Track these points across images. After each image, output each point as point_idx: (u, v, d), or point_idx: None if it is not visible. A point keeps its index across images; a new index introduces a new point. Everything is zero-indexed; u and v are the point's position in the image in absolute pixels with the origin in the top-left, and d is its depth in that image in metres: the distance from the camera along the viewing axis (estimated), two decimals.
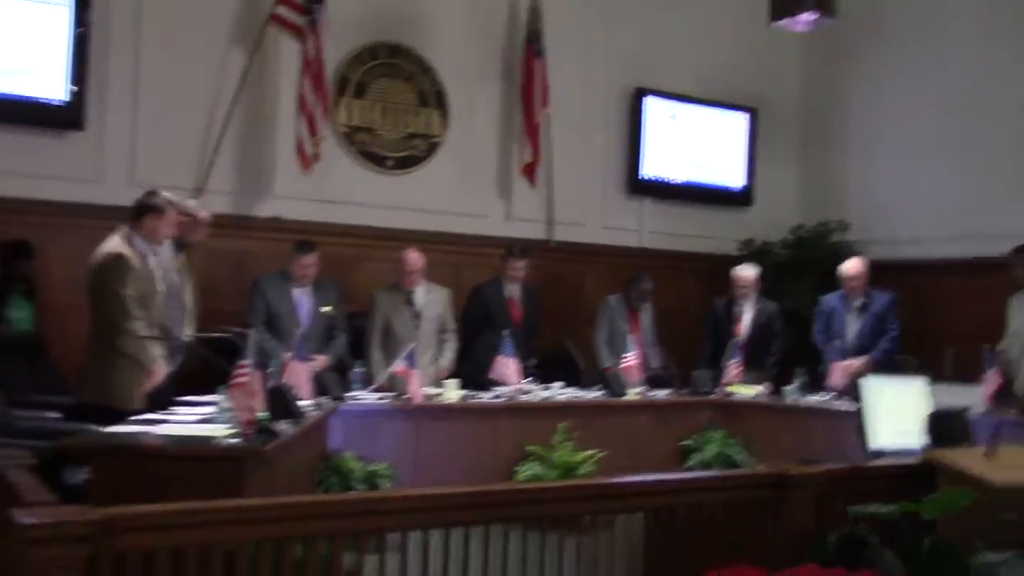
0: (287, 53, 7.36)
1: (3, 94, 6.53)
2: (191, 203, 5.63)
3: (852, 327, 7.00)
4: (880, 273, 7.28)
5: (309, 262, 6.31)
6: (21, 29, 6.56)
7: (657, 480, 3.38)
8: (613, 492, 3.24)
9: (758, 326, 7.32)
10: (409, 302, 6.65)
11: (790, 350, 7.63)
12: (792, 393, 6.70)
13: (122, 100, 6.97)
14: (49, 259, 6.52)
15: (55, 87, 6.67)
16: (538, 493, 3.21)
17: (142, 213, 4.94)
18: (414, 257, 6.66)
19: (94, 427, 4.16)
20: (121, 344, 4.73)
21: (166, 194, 5.07)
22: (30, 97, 6.61)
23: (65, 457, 4.05)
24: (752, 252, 9.13)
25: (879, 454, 4.26)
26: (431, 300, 6.71)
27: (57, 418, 4.96)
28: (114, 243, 4.84)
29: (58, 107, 6.69)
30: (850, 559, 3.18)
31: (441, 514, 2.92)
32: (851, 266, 7.08)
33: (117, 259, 4.77)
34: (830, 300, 7.22)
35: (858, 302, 7.00)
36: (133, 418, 4.34)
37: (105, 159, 6.92)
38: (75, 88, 6.69)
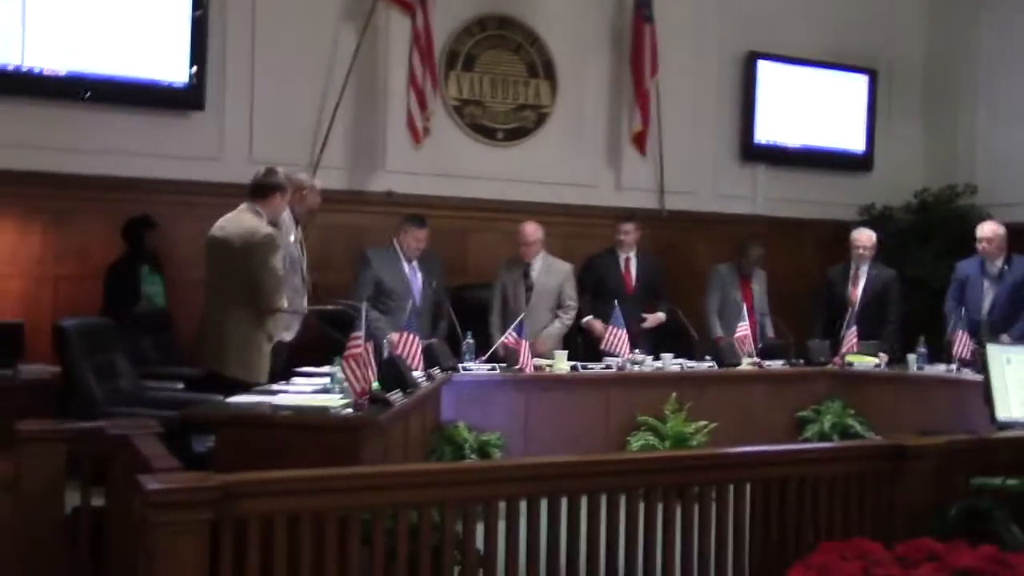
0: (397, 29, 7.43)
1: (128, 77, 6.79)
2: (302, 175, 5.77)
3: (988, 296, 6.72)
4: (1011, 236, 6.95)
5: (422, 236, 6.39)
6: (143, 15, 6.81)
7: (767, 451, 3.32)
8: (722, 462, 3.21)
9: (874, 292, 7.10)
10: (525, 274, 6.69)
11: (914, 318, 7.39)
12: (915, 363, 6.48)
13: (239, 80, 7.17)
14: (173, 236, 6.78)
15: (177, 70, 6.91)
16: (645, 463, 3.20)
17: (269, 191, 5.01)
18: (530, 229, 6.70)
19: (218, 397, 4.32)
20: (272, 320, 4.85)
21: (280, 170, 5.17)
22: (153, 80, 6.87)
23: (192, 426, 4.24)
24: (873, 218, 8.84)
25: (1008, 425, 4.10)
26: (547, 273, 6.73)
27: (183, 389, 5.17)
28: (254, 220, 4.88)
29: (179, 89, 6.93)
30: (972, 532, 3.07)
31: (548, 483, 2.94)
32: (988, 228, 6.80)
33: (271, 238, 4.83)
34: (966, 266, 6.94)
35: (995, 268, 6.72)
36: (255, 388, 4.48)
37: (224, 138, 7.13)
38: (195, 70, 6.92)
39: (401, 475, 2.91)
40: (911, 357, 6.54)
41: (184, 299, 6.52)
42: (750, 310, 7.02)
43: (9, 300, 6.40)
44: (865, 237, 7.23)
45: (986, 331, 6.39)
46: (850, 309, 6.94)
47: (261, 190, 4.99)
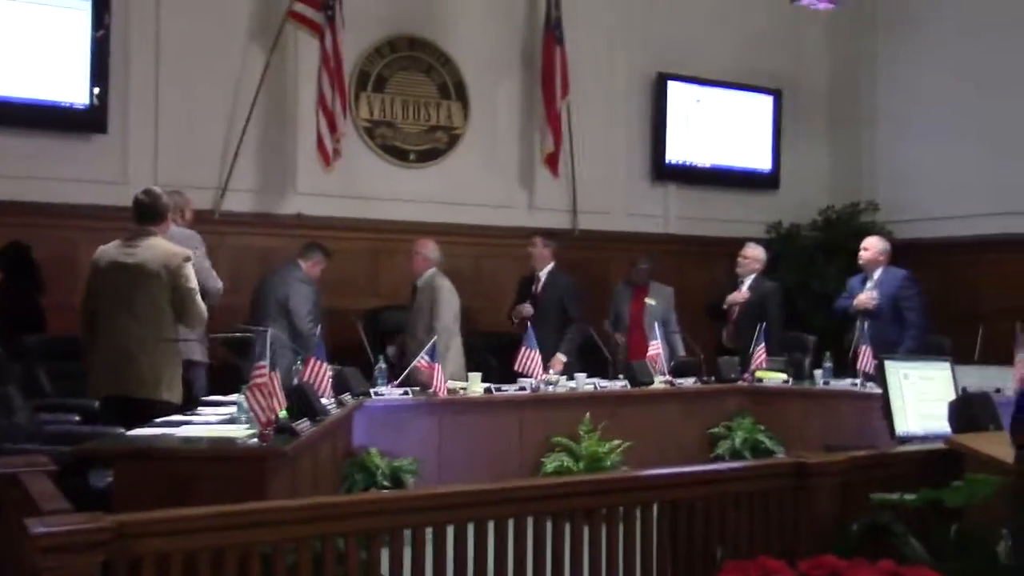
0: (306, 50, 7.38)
1: (27, 99, 6.61)
2: (176, 195, 5.84)
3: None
4: (911, 253, 7.17)
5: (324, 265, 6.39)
6: (42, 34, 6.63)
7: (673, 473, 3.35)
8: (629, 486, 3.22)
9: (751, 303, 7.25)
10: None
11: (819, 333, 7.57)
12: (821, 377, 6.63)
13: (143, 101, 7.04)
14: (77, 261, 6.56)
15: (78, 91, 6.75)
16: (552, 488, 3.19)
17: (162, 213, 4.98)
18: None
19: (119, 429, 4.19)
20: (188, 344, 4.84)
21: (156, 189, 5.12)
22: (54, 102, 6.70)
23: (90, 461, 4.10)
24: (780, 235, 9.05)
25: (906, 439, 4.19)
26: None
27: (80, 421, 5.01)
28: (168, 244, 4.91)
29: (81, 111, 6.77)
30: (874, 548, 3.13)
31: (454, 511, 2.91)
32: (867, 240, 7.11)
33: (190, 258, 4.89)
34: (854, 280, 7.15)
35: (873, 279, 6.93)
36: (157, 420, 4.37)
37: (128, 161, 7.00)
38: (97, 91, 6.75)
39: (300, 509, 2.85)
40: (817, 372, 6.69)
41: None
42: (636, 323, 7.22)
43: None
44: (748, 251, 7.42)
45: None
46: (759, 324, 7.05)
47: (156, 214, 4.93)
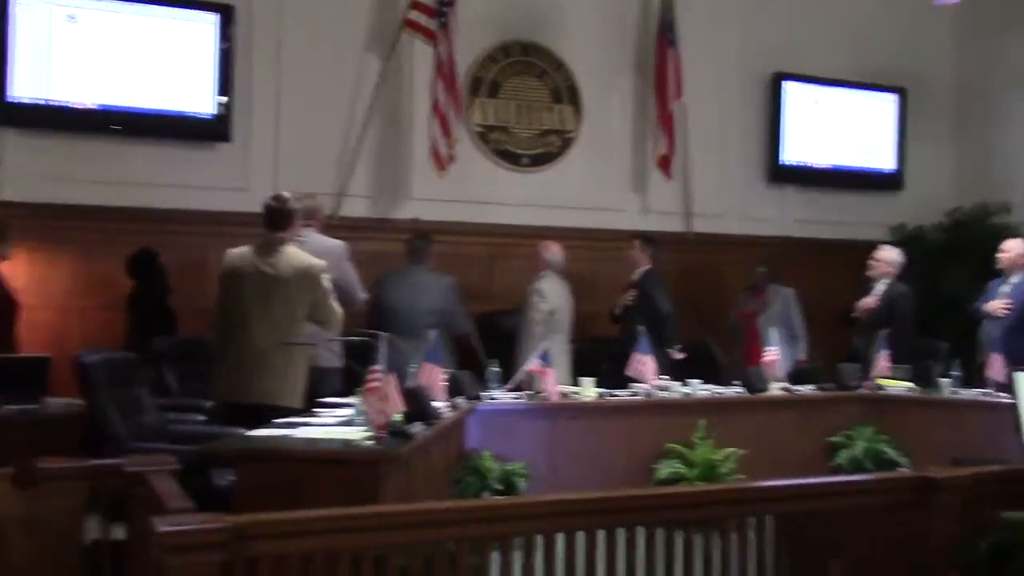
0: (421, 57, 7.48)
1: (156, 110, 6.88)
2: (310, 201, 5.89)
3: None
4: None
5: None
6: (170, 47, 6.89)
7: (788, 485, 3.26)
8: (741, 497, 3.15)
9: (880, 309, 7.00)
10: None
11: (949, 340, 7.28)
12: (948, 386, 6.36)
13: (265, 110, 7.25)
14: (200, 266, 6.81)
15: (204, 101, 6.99)
16: (664, 499, 3.15)
17: (291, 218, 5.06)
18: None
19: (240, 430, 4.32)
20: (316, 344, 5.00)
21: (286, 193, 5.20)
22: (181, 112, 6.95)
23: (212, 460, 4.24)
24: (904, 237, 8.74)
25: None
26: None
27: (205, 421, 5.18)
28: (301, 252, 5.02)
29: (206, 120, 7.01)
30: (1001, 569, 2.99)
31: (564, 520, 2.90)
32: (1007, 242, 6.80)
33: (324, 266, 5.00)
34: (994, 283, 6.88)
35: (1010, 283, 6.63)
36: (278, 421, 4.47)
37: (250, 168, 7.20)
38: (222, 101, 6.99)
39: (413, 514, 2.88)
40: (944, 381, 6.43)
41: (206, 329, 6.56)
42: (746, 327, 7.18)
43: (38, 332, 6.45)
44: (880, 253, 7.17)
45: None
46: (881, 332, 6.83)
47: (286, 219, 5.02)
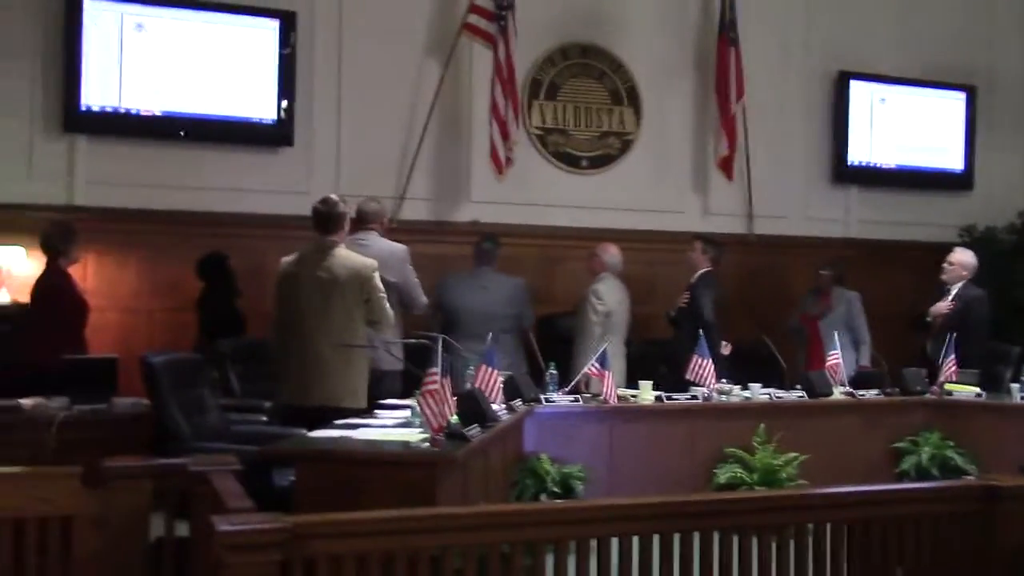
0: (480, 60, 7.51)
1: (220, 116, 7.02)
2: (373, 204, 6.02)
3: None
4: None
5: None
6: (232, 54, 7.02)
7: (848, 492, 3.21)
8: (800, 503, 3.11)
9: (954, 314, 6.84)
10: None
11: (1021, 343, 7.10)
12: (1018, 392, 6.21)
13: (326, 115, 7.35)
14: (264, 269, 6.91)
15: (266, 107, 7.11)
16: (720, 504, 3.12)
17: (341, 221, 5.17)
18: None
19: (302, 431, 4.38)
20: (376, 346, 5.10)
21: (334, 196, 5.25)
22: (244, 118, 7.08)
23: (273, 460, 4.30)
24: (975, 239, 8.54)
25: None
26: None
27: (267, 422, 5.26)
28: (355, 254, 5.13)
29: (269, 125, 7.13)
30: None
31: (619, 524, 2.89)
32: None
33: (376, 267, 5.10)
34: None
35: None
36: (338, 423, 4.53)
37: (313, 172, 7.29)
38: (284, 106, 7.09)
39: (468, 517, 2.90)
40: (1014, 386, 6.27)
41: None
42: (809, 331, 7.15)
43: (106, 333, 6.61)
44: (954, 256, 7.01)
45: None
46: (949, 336, 6.68)
47: (334, 222, 5.10)
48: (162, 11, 6.89)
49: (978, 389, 6.40)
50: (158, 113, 6.87)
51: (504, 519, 2.93)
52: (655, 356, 6.92)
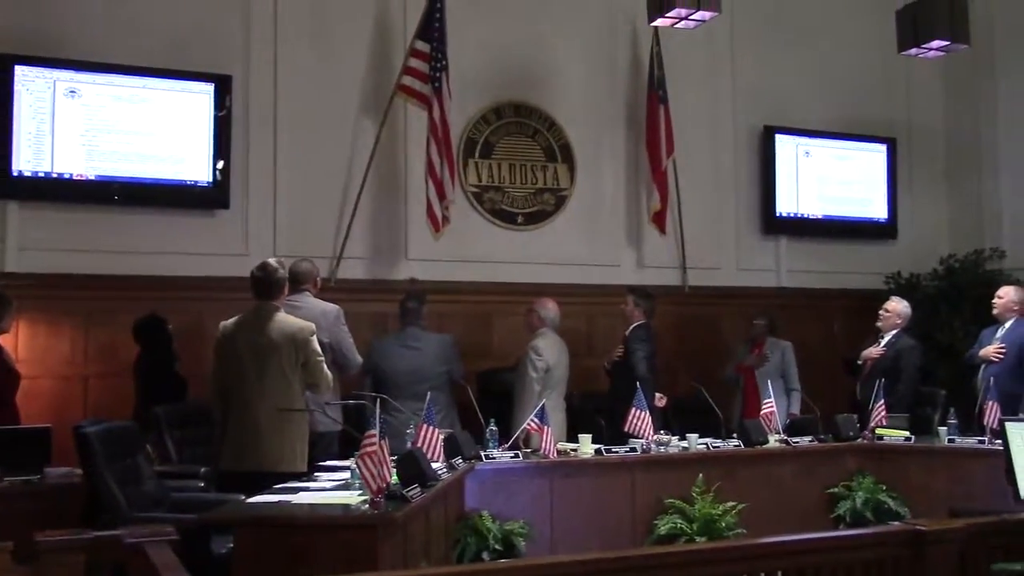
0: (415, 120, 7.60)
1: (155, 179, 7.00)
2: (305, 264, 6.08)
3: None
4: None
5: None
6: (166, 117, 7.03)
7: (777, 542, 3.28)
8: (739, 555, 3.17)
9: (884, 359, 7.04)
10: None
11: (945, 387, 7.31)
12: (946, 434, 6.39)
13: (262, 177, 7.37)
14: (202, 333, 6.86)
15: (201, 169, 7.11)
16: (665, 558, 3.16)
17: (281, 286, 5.24)
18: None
19: (240, 496, 4.35)
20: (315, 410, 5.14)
21: (272, 261, 5.33)
22: (179, 180, 7.07)
23: (212, 527, 4.26)
24: (900, 286, 8.80)
25: None
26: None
27: (204, 488, 5.20)
28: (291, 318, 5.17)
29: (205, 188, 7.12)
30: None
31: None
32: (1001, 289, 6.96)
33: (314, 330, 5.15)
34: (987, 331, 6.95)
35: (1004, 329, 6.70)
36: (276, 486, 4.51)
37: (249, 234, 7.29)
38: (219, 168, 7.11)
39: None
40: (942, 429, 6.45)
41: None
42: (745, 381, 7.44)
43: (40, 401, 6.50)
44: (890, 304, 7.25)
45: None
46: (878, 381, 6.86)
47: (272, 288, 5.14)
48: (95, 76, 6.88)
49: (907, 433, 6.58)
50: (91, 177, 6.83)
51: None
52: (594, 409, 6.98)
